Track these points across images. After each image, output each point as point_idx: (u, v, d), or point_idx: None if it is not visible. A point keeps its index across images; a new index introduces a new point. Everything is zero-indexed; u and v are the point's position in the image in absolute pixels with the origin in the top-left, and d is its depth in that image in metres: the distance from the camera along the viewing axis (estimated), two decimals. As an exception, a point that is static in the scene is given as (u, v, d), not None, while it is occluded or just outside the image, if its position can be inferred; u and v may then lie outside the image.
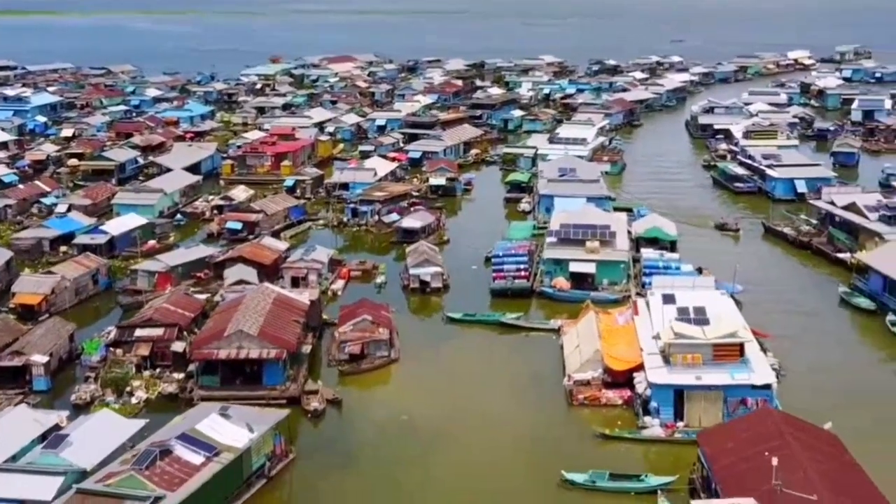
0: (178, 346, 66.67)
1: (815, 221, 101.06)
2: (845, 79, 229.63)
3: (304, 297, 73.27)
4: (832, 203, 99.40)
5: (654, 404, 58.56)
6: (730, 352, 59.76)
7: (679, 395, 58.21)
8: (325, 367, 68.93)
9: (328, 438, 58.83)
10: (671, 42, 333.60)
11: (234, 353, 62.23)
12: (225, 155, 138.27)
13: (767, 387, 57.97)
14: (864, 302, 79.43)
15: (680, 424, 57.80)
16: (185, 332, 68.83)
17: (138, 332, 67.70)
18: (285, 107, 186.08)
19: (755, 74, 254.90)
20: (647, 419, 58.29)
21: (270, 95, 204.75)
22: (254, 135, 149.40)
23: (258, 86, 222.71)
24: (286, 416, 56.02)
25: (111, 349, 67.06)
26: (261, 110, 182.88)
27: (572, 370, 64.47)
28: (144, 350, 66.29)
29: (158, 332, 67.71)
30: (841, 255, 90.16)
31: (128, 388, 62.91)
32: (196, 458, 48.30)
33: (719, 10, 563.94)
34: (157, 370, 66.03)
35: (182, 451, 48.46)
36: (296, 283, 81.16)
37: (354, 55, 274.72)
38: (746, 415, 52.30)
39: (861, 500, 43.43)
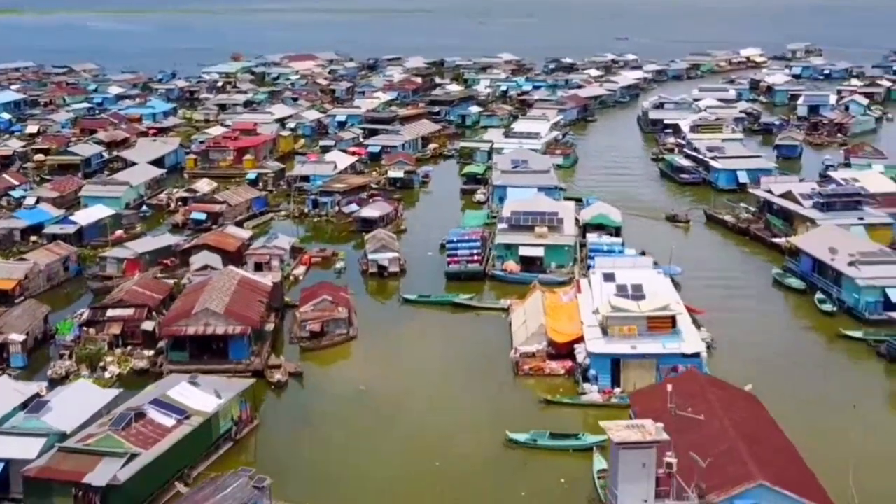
0: (147, 326, 70.56)
1: (753, 209, 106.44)
2: (795, 76, 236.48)
3: (267, 279, 77.50)
4: (770, 192, 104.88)
5: (592, 372, 63.36)
6: (662, 324, 64.74)
7: (616, 364, 63.01)
8: (287, 344, 73.11)
9: (290, 407, 63.14)
10: (616, 39, 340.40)
11: (201, 329, 66.27)
12: (188, 150, 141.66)
13: (696, 355, 62.92)
14: (795, 282, 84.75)
15: (616, 390, 62.54)
16: (154, 313, 72.66)
17: (110, 313, 71.54)
18: (247, 104, 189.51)
19: (707, 72, 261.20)
20: (587, 386, 63.04)
21: (232, 93, 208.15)
22: (216, 130, 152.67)
23: (219, 83, 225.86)
24: (251, 384, 60.29)
25: (84, 328, 70.74)
26: (222, 107, 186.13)
27: (518, 343, 69.10)
28: (116, 329, 70.13)
29: (129, 312, 71.59)
30: (776, 240, 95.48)
31: (101, 364, 66.71)
32: (168, 420, 52.39)
33: (676, 8, 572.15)
34: (129, 348, 69.88)
35: (155, 415, 52.53)
36: (259, 268, 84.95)
37: (315, 53, 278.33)
38: (674, 376, 57.05)
39: (772, 449, 48.25)
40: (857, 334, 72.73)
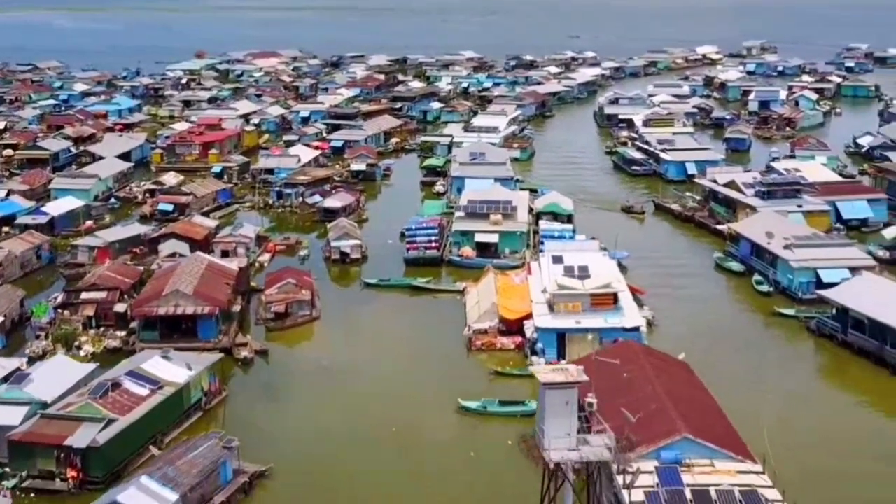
0: (119, 308, 74.16)
1: (699, 198, 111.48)
2: (749, 72, 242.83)
3: (234, 264, 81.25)
4: (715, 181, 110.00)
5: (539, 346, 67.85)
6: (605, 300, 69.46)
7: (561, 338, 67.52)
8: (253, 325, 77.01)
9: (256, 381, 67.24)
10: (569, 37, 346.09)
11: (171, 309, 70.06)
12: (154, 145, 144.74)
13: (636, 329, 67.63)
14: (734, 265, 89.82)
15: (562, 363, 66.82)
16: (125, 296, 76.26)
17: (84, 296, 75.11)
18: (211, 100, 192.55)
19: (664, 69, 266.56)
20: (534, 358, 67.44)
21: (196, 89, 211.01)
22: (181, 126, 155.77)
23: (184, 80, 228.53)
24: (220, 358, 64.30)
25: (59, 311, 74.24)
26: (187, 103, 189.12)
27: (472, 321, 73.46)
28: (89, 311, 73.72)
29: (102, 295, 75.20)
30: (719, 227, 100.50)
31: (76, 343, 70.27)
32: (142, 390, 56.27)
33: (636, 8, 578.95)
34: (102, 329, 73.42)
35: (130, 385, 56.40)
36: (225, 254, 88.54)
37: (279, 51, 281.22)
38: (613, 346, 61.61)
39: (699, 409, 52.78)
40: (790, 312, 77.74)
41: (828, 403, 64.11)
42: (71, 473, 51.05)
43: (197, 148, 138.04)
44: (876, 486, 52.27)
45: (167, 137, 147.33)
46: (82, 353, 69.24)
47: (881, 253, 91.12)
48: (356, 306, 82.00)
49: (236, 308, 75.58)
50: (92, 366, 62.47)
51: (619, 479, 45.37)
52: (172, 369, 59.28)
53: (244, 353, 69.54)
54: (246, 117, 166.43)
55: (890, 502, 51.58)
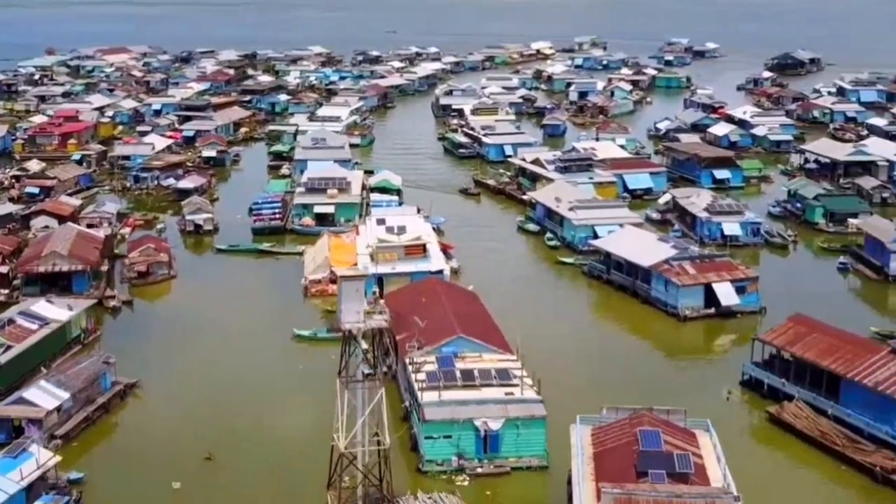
0: (2, 269, 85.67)
1: (510, 174, 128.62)
2: (577, 66, 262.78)
3: (100, 233, 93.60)
4: (524, 160, 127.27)
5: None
6: (416, 250, 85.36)
7: (380, 281, 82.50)
8: (119, 283, 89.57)
9: (124, 323, 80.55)
10: (385, 33, 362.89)
11: (50, 267, 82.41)
12: (14, 136, 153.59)
13: (440, 272, 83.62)
14: (532, 226, 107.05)
15: (382, 301, 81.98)
16: (6, 259, 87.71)
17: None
18: (65, 94, 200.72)
19: (501, 63, 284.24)
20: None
21: (49, 85, 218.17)
22: (39, 119, 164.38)
23: (36, 76, 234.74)
24: (94, 302, 77.24)
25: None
26: (42, 98, 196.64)
27: (308, 273, 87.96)
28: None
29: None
30: (524, 197, 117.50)
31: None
32: (32, 325, 68.99)
33: (482, 4, 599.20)
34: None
35: (22, 321, 69.03)
36: (91, 227, 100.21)
37: (129, 46, 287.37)
38: (418, 282, 77.29)
39: (476, 320, 68.86)
40: (570, 260, 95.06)
41: (583, 320, 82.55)
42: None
43: (56, 138, 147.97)
44: (599, 369, 70.91)
45: (26, 129, 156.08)
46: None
47: (655, 215, 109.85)
48: (209, 266, 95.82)
49: (104, 268, 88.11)
50: (-12, 311, 74.58)
51: (410, 367, 61.16)
52: (56, 310, 71.93)
53: (113, 302, 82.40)
54: (100, 110, 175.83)
55: (598, 372, 69.88)
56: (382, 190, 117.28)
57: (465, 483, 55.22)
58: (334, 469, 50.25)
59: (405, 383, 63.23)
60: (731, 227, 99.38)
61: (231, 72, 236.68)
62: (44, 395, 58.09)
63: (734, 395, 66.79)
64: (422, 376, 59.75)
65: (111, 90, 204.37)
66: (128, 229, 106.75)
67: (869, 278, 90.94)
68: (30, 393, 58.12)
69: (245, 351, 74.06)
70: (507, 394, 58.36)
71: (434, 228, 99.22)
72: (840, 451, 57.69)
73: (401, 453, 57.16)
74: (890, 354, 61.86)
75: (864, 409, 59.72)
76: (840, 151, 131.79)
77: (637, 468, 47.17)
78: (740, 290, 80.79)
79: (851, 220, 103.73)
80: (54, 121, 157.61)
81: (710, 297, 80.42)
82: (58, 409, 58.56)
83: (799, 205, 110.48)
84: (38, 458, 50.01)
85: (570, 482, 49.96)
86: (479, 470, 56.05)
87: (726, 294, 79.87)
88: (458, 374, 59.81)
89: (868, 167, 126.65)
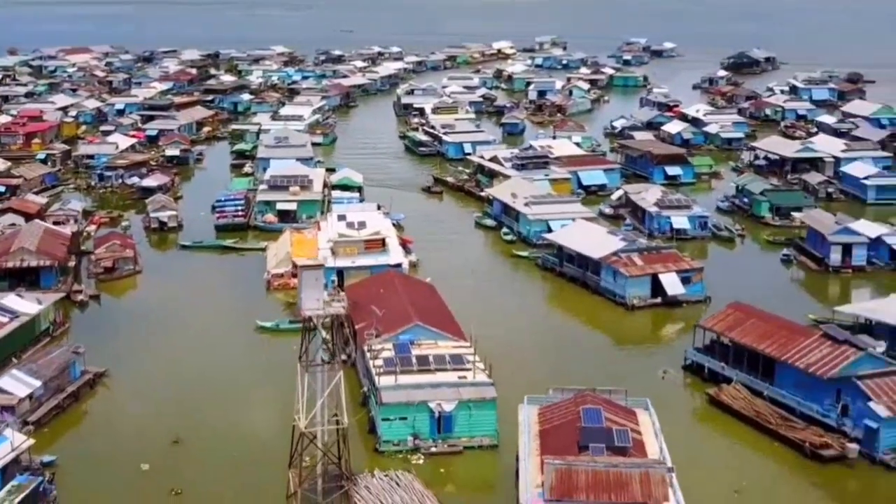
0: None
1: (469, 171, 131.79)
2: (537, 65, 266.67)
3: (67, 230, 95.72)
4: (482, 157, 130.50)
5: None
6: (375, 244, 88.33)
7: (340, 274, 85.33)
8: (86, 278, 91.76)
9: (91, 316, 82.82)
10: (340, 31, 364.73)
11: (18, 263, 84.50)
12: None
13: (399, 265, 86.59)
14: (489, 222, 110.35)
15: (342, 293, 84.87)
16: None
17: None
18: (28, 94, 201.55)
19: (462, 63, 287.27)
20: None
21: (12, 85, 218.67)
22: (3, 119, 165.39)
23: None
24: (62, 296, 79.43)
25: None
26: (5, 98, 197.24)
27: (270, 267, 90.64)
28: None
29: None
30: (482, 194, 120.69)
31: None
32: (2, 318, 71.14)
33: (448, 4, 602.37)
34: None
35: (-8, 314, 71.22)
36: (58, 224, 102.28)
37: (91, 46, 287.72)
38: (377, 275, 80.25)
39: (433, 310, 71.93)
40: (524, 254, 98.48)
41: (537, 310, 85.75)
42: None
43: (21, 138, 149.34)
44: (550, 355, 74.05)
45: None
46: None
47: (608, 210, 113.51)
48: (174, 262, 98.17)
49: (71, 264, 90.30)
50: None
51: (368, 354, 64.17)
52: (25, 304, 74.16)
53: (80, 297, 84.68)
54: (64, 110, 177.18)
55: (549, 358, 72.83)
56: (344, 187, 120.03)
57: (420, 462, 58.29)
58: (295, 448, 53.06)
59: (363, 369, 66.22)
60: (680, 221, 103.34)
61: (194, 71, 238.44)
62: (16, 384, 60.53)
63: (670, 374, 70.79)
64: (379, 362, 62.76)
65: (74, 90, 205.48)
66: (93, 226, 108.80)
67: (810, 269, 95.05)
68: (2, 381, 60.50)
69: (209, 342, 76.67)
70: (460, 377, 61.44)
71: (394, 224, 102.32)
72: (773, 430, 61.38)
73: (359, 435, 60.09)
74: (821, 338, 65.63)
75: (797, 389, 63.51)
76: (789, 148, 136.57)
77: (579, 443, 50.47)
78: (686, 281, 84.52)
79: (796, 214, 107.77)
80: (18, 120, 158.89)
81: (657, 287, 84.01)
82: (30, 396, 61.02)
83: (746, 200, 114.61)
84: (13, 441, 52.42)
85: (518, 459, 53.16)
86: (434, 449, 59.13)
87: (672, 284, 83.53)
88: (413, 359, 62.86)
89: (815, 163, 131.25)
